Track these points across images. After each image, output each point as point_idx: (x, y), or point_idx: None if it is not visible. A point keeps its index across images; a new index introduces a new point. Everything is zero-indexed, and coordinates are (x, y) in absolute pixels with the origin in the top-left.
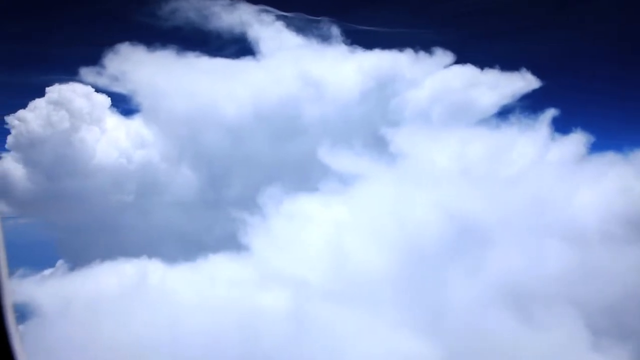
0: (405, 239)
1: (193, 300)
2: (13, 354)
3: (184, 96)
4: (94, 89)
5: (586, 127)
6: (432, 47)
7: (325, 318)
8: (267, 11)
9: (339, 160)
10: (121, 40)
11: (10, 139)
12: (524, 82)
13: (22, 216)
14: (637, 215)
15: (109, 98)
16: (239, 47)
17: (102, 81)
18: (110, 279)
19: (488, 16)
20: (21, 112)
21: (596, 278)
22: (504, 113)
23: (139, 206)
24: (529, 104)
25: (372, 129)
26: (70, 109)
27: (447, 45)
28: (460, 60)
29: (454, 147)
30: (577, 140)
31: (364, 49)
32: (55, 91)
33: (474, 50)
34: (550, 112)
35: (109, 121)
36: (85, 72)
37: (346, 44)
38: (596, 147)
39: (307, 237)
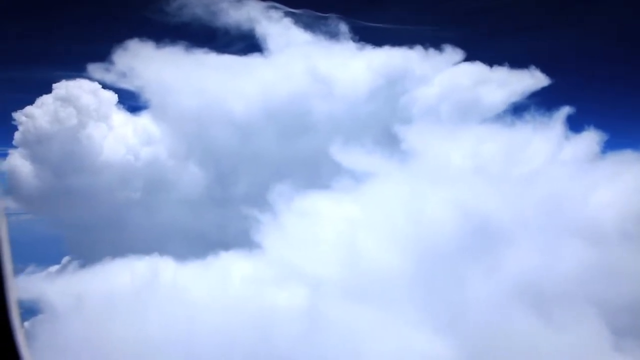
0: (418, 237)
1: (205, 298)
2: (18, 351)
3: (192, 93)
4: (101, 86)
5: (599, 125)
6: (441, 44)
7: (339, 316)
8: (275, 8)
9: (350, 157)
10: (129, 36)
11: (17, 135)
12: (533, 80)
13: (29, 213)
14: None
15: (117, 94)
16: (247, 43)
17: (109, 77)
18: (120, 276)
19: (497, 13)
20: (28, 109)
21: (615, 277)
22: (517, 111)
23: (146, 203)
24: (542, 102)
25: (382, 126)
26: (77, 105)
27: (456, 43)
28: (469, 57)
29: (467, 144)
30: (591, 139)
31: (372, 46)
32: (62, 87)
33: (484, 48)
34: (564, 110)
35: (116, 118)
36: (93, 68)
37: (354, 41)
38: (610, 146)
39: (320, 234)
